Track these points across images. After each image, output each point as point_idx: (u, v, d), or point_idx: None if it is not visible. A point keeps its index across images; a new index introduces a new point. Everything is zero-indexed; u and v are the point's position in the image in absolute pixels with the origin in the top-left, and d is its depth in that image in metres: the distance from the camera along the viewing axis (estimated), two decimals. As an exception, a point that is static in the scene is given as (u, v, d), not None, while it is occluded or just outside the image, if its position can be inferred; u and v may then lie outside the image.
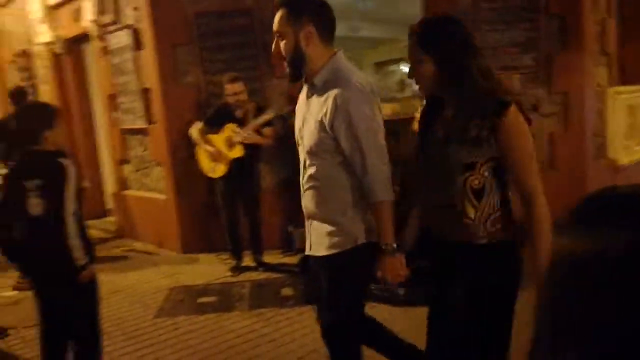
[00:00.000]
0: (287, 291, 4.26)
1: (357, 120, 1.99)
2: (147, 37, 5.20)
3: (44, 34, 6.80)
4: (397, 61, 11.30)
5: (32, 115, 2.57)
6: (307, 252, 2.28)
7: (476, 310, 1.87)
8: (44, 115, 2.56)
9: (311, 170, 2.12)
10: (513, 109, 1.78)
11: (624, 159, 5.64)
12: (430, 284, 2.20)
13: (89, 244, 2.61)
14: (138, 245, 5.97)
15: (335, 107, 1.99)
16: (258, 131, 4.54)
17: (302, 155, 2.17)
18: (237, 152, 4.54)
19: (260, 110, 4.54)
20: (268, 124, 4.55)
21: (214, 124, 4.66)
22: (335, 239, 2.11)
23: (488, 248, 1.85)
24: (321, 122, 2.03)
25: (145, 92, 5.49)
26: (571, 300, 0.61)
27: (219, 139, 4.63)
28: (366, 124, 2.03)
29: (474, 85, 1.79)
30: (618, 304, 0.57)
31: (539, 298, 0.67)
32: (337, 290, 2.18)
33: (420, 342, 3.26)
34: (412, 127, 2.21)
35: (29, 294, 4.54)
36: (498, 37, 5.08)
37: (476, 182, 1.84)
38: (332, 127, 2.01)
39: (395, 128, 5.24)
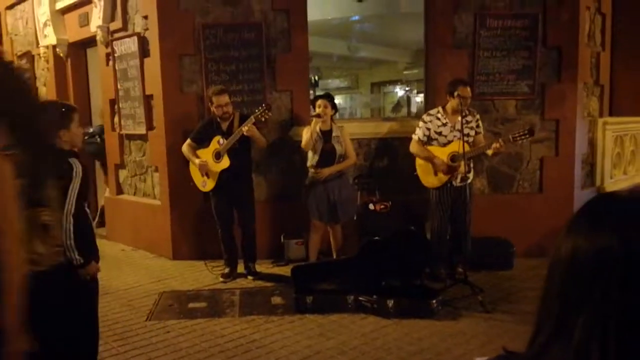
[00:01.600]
0: (277, 300, 4.31)
1: None
2: (154, 45, 5.30)
3: (49, 37, 6.88)
4: (394, 83, 11.49)
5: (47, 113, 2.61)
6: None
7: None
8: (60, 114, 2.59)
9: None
10: None
11: (610, 187, 5.79)
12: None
13: (92, 244, 2.65)
14: (130, 249, 5.99)
15: None
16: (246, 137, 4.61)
17: None
18: (224, 164, 4.63)
19: (243, 120, 4.63)
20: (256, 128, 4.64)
21: (202, 139, 4.75)
22: None
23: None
24: None
25: (148, 99, 5.57)
26: (570, 295, 0.68)
27: (207, 153, 4.72)
28: None
29: None
30: (617, 295, 0.63)
31: (542, 292, 0.73)
32: None
33: (409, 352, 3.33)
34: None
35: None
36: (496, 64, 5.25)
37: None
38: None
39: (391, 145, 5.38)
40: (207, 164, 4.67)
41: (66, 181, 2.49)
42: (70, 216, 2.51)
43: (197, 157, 4.73)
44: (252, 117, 4.53)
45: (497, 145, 4.30)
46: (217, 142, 4.66)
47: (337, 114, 4.93)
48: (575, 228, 0.71)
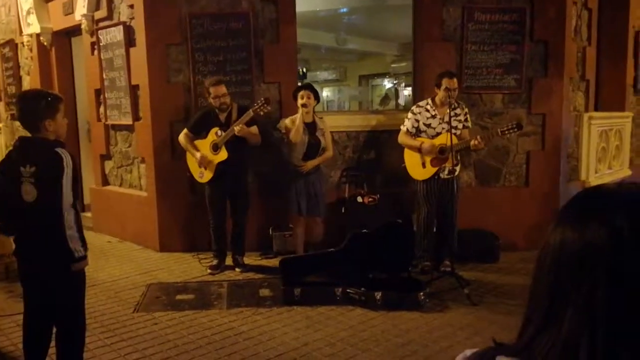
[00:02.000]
0: (265, 292, 4.31)
1: None
2: (140, 34, 5.23)
3: (32, 25, 6.75)
4: (382, 75, 11.48)
5: (33, 103, 2.57)
6: None
7: None
8: (46, 103, 2.54)
9: None
10: None
11: (595, 182, 5.86)
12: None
13: (83, 237, 2.64)
14: (116, 240, 5.94)
15: None
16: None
17: None
18: (222, 156, 4.59)
19: (242, 111, 4.59)
20: (253, 122, 4.60)
21: (200, 130, 4.71)
22: None
23: None
24: None
25: (134, 89, 5.51)
26: (562, 283, 0.68)
27: (205, 144, 4.68)
28: None
29: None
30: (604, 286, 0.63)
31: (531, 285, 0.73)
32: None
33: (396, 344, 3.36)
34: None
35: (3, 283, 4.51)
36: (484, 58, 5.28)
37: None
38: None
39: (379, 138, 5.38)
40: (207, 157, 4.64)
41: (56, 172, 2.47)
42: (70, 207, 2.49)
43: (196, 148, 4.69)
44: (250, 111, 4.49)
45: (475, 142, 4.33)
46: (215, 134, 4.62)
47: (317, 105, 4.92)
48: (564, 220, 0.71)
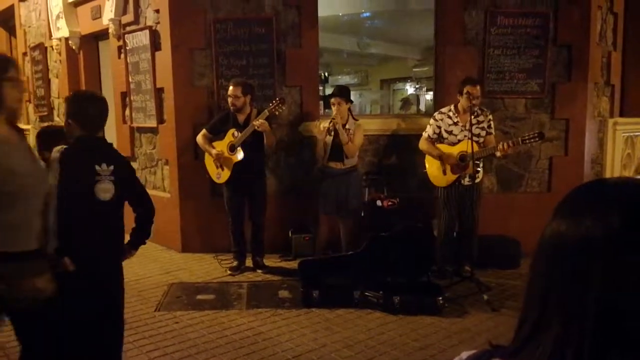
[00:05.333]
0: (284, 293, 4.35)
1: None
2: (166, 39, 5.34)
3: (61, 29, 6.94)
4: (403, 80, 11.46)
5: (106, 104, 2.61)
6: None
7: None
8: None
9: None
10: None
11: (620, 189, 5.76)
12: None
13: None
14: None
15: None
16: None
17: None
18: (239, 156, 4.66)
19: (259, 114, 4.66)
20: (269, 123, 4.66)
21: (217, 130, 4.79)
22: None
23: None
24: None
25: (159, 92, 5.62)
26: (556, 279, 0.66)
27: (222, 145, 4.75)
28: None
29: None
30: (597, 282, 0.62)
31: (528, 277, 0.71)
32: None
33: (414, 348, 3.36)
34: None
35: None
36: (507, 62, 5.24)
37: None
38: None
39: (400, 142, 5.39)
40: (224, 157, 4.71)
41: (130, 169, 2.73)
42: None
43: (213, 147, 4.77)
44: (265, 110, 4.57)
45: (503, 146, 4.29)
46: (232, 135, 4.69)
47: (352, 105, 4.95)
48: (559, 214, 0.69)
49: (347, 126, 4.68)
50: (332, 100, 4.70)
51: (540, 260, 0.70)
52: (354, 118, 4.84)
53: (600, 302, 0.62)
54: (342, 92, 4.79)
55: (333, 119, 4.62)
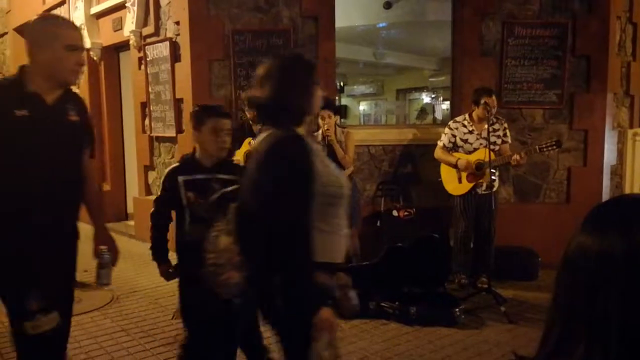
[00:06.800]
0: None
1: None
2: (185, 50, 5.43)
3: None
4: (420, 90, 11.46)
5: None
6: None
7: None
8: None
9: None
10: None
11: None
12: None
13: None
14: (157, 249, 6.11)
15: None
16: None
17: None
18: None
19: None
20: None
21: (234, 140, 4.83)
22: None
23: None
24: None
25: (178, 102, 5.70)
26: (580, 293, 0.67)
27: (239, 154, 4.80)
28: None
29: None
30: (619, 298, 0.63)
31: (553, 291, 0.73)
32: None
33: (430, 359, 3.34)
34: None
35: None
36: (524, 73, 5.23)
37: None
38: None
39: (416, 152, 5.39)
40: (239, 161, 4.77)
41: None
42: None
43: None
44: None
45: (517, 157, 4.27)
46: (249, 144, 4.74)
47: (340, 120, 4.86)
48: (585, 228, 0.71)
49: (337, 139, 4.52)
50: (322, 113, 4.33)
51: (564, 274, 0.71)
52: (341, 127, 4.74)
53: (622, 316, 0.62)
54: (332, 104, 4.59)
55: (327, 135, 4.38)
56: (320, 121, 4.50)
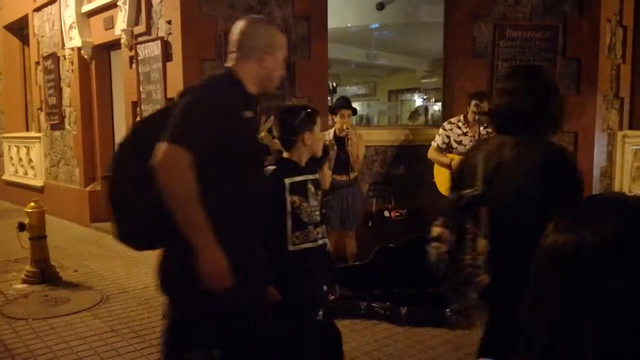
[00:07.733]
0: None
1: None
2: (177, 49, 5.41)
3: (74, 39, 7.04)
4: (412, 91, 11.51)
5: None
6: None
7: None
8: (306, 115, 2.48)
9: None
10: None
11: (629, 202, 5.73)
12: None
13: None
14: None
15: None
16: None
17: None
18: None
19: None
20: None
21: None
22: None
23: None
24: None
25: (169, 102, 5.67)
26: (552, 286, 0.69)
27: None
28: None
29: None
30: (593, 289, 0.65)
31: (529, 286, 0.74)
32: None
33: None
34: None
35: (38, 287, 4.66)
36: (515, 74, 5.24)
37: None
38: None
39: (407, 153, 5.40)
40: None
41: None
42: None
43: None
44: (269, 120, 4.61)
45: None
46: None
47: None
48: (558, 225, 0.72)
49: (352, 139, 4.67)
50: (343, 112, 4.62)
51: (540, 272, 0.72)
52: (352, 129, 4.82)
53: (600, 311, 0.64)
54: (350, 104, 4.80)
55: (348, 134, 4.56)
56: (339, 119, 4.58)
